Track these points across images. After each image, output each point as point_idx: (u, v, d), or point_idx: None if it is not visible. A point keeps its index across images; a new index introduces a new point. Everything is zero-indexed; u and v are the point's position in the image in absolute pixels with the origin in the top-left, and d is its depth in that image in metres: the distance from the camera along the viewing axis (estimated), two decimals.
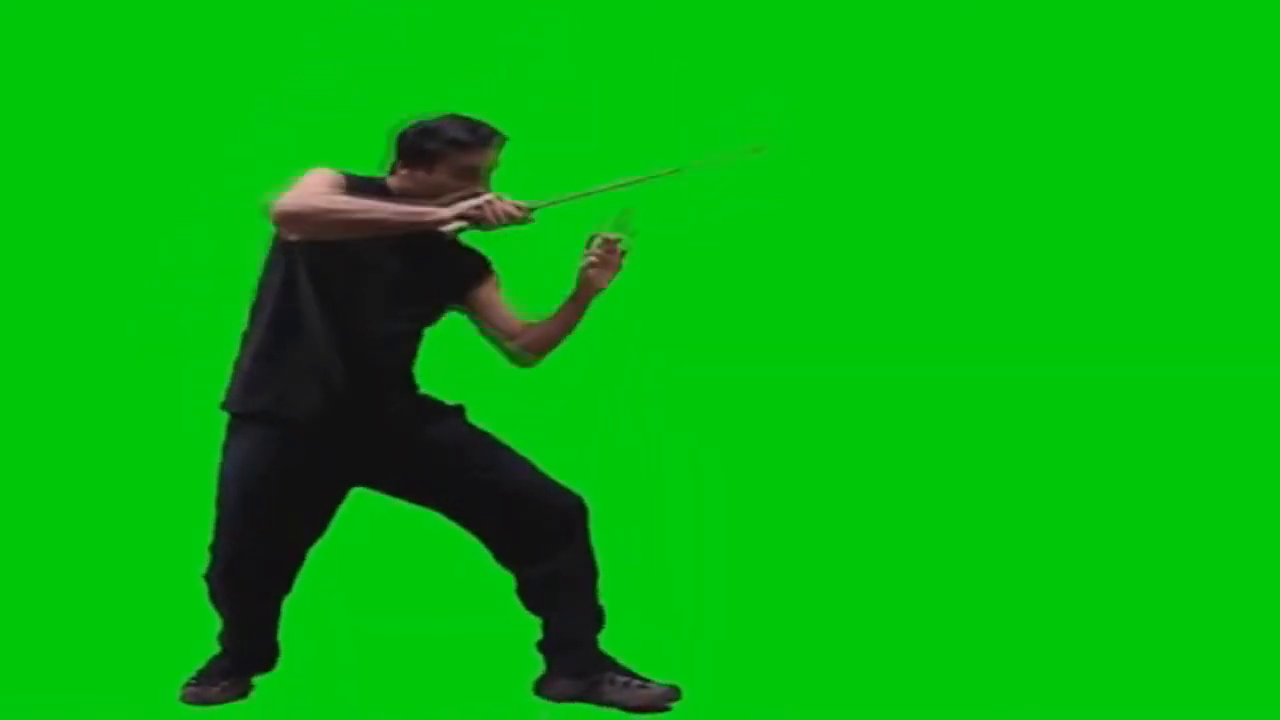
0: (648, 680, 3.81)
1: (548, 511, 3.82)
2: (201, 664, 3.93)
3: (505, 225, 3.57)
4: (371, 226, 3.55)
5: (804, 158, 5.09)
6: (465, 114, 3.80)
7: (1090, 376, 5.42)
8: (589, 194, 3.70)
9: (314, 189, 3.57)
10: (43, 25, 5.38)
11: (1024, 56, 5.42)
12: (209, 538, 3.84)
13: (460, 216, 3.56)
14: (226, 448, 3.80)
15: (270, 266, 3.76)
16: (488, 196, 3.58)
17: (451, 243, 3.76)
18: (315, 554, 3.93)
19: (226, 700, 3.85)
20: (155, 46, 5.35)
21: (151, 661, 4.07)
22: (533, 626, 3.91)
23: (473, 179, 3.73)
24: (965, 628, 4.42)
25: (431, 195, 3.70)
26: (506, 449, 3.88)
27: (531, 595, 3.88)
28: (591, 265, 3.77)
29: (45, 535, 5.06)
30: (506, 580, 3.92)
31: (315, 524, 3.88)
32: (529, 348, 3.90)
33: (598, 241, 3.78)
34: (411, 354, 3.89)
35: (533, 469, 3.87)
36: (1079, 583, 4.80)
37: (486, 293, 3.93)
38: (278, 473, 3.75)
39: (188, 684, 3.88)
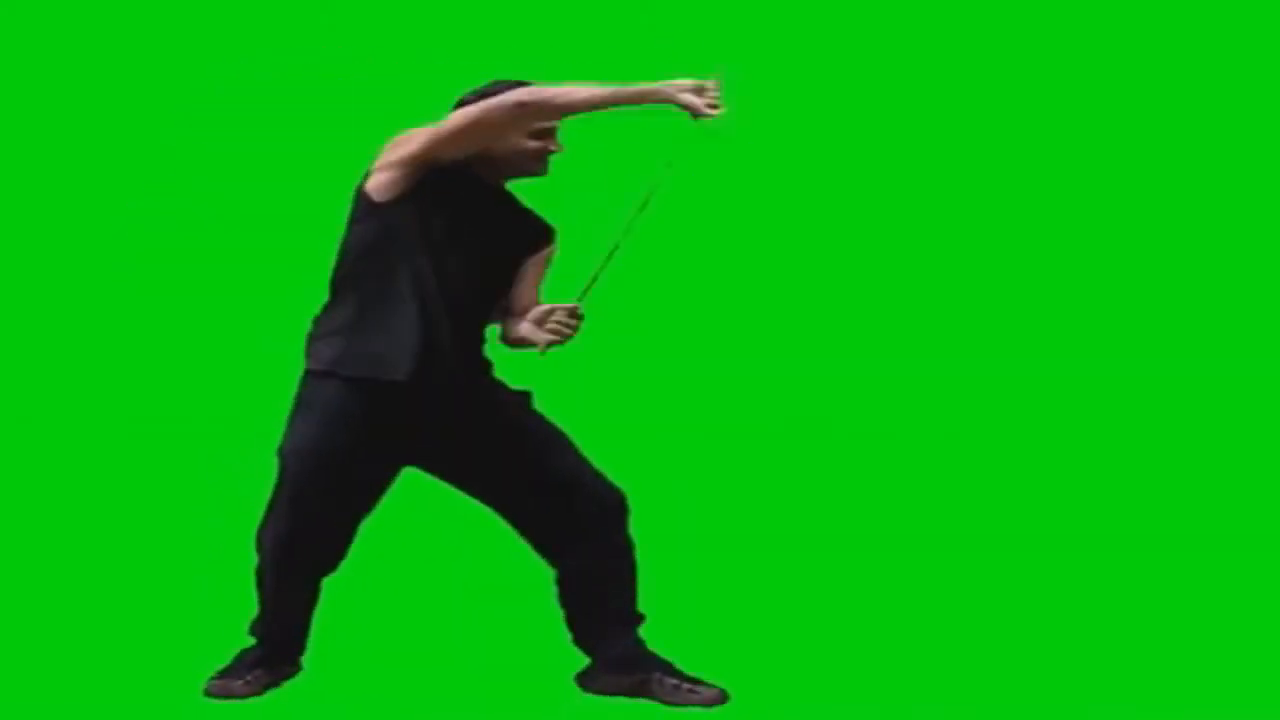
0: (697, 683, 3.72)
1: (589, 503, 3.73)
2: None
3: None
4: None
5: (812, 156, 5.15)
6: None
7: (1097, 374, 5.48)
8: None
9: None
10: (45, 25, 5.35)
11: (1022, 55, 5.49)
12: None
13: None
14: (306, 405, 3.67)
15: (359, 234, 3.66)
16: None
17: (522, 208, 3.77)
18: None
19: (251, 694, 3.70)
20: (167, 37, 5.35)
21: (180, 657, 3.95)
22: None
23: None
24: (1006, 627, 4.35)
25: (509, 161, 3.69)
26: (559, 436, 3.78)
27: (569, 588, 3.78)
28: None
29: (65, 532, 4.99)
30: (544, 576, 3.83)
31: (370, 499, 3.74)
32: (512, 338, 3.81)
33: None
34: (488, 320, 3.79)
35: (580, 459, 3.77)
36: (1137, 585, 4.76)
37: (537, 261, 3.85)
38: (360, 440, 3.62)
39: (213, 677, 3.74)
